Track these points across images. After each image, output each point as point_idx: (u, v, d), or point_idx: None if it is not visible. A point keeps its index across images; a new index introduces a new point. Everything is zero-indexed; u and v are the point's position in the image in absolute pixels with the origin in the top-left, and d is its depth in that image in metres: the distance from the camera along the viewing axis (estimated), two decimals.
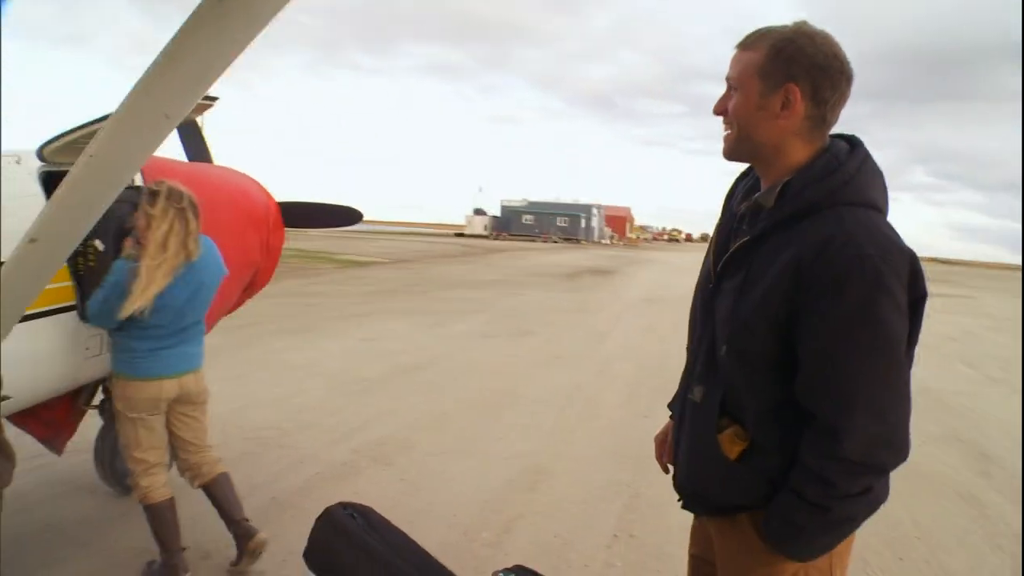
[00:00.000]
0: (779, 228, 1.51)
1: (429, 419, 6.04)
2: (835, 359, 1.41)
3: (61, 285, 3.09)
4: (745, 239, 1.57)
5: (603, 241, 77.18)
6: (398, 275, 20.18)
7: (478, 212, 74.53)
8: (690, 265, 37.86)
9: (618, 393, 7.39)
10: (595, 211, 79.38)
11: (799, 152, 1.55)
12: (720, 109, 1.60)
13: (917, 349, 1.50)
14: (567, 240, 69.13)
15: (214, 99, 3.52)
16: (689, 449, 1.69)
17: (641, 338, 11.15)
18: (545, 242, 62.99)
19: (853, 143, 1.58)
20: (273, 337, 9.26)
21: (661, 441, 2.09)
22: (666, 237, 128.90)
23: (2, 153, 3.01)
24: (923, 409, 7.39)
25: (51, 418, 3.54)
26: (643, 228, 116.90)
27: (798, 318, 1.44)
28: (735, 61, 1.57)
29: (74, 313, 3.15)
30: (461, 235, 65.41)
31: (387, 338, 9.76)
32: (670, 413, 2.07)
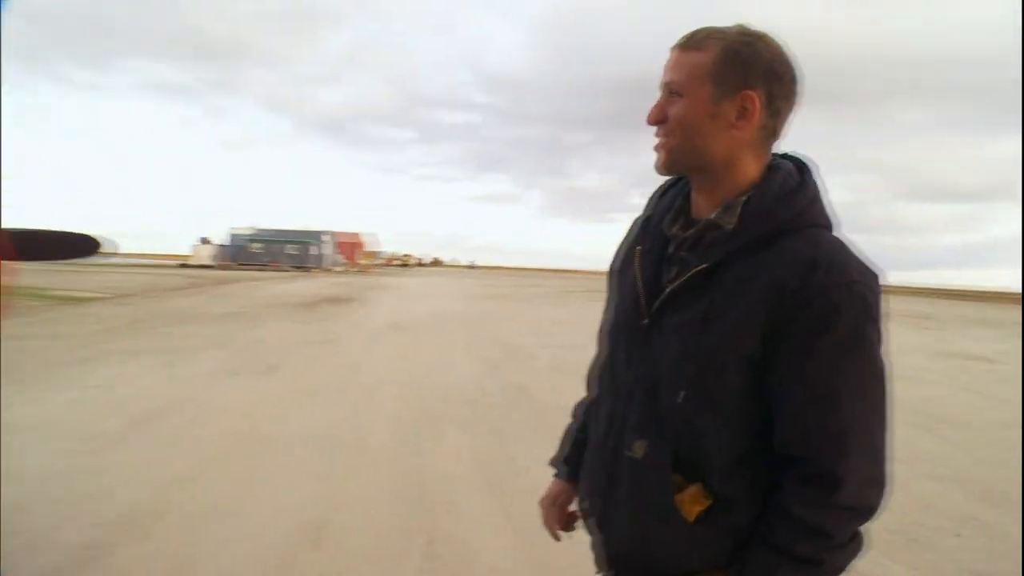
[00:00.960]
0: (743, 252, 1.33)
1: (182, 475, 5.34)
2: (830, 398, 1.26)
3: None
4: (700, 267, 1.35)
5: (335, 268, 75.85)
6: (124, 311, 18.25)
7: (204, 241, 70.15)
8: (427, 289, 38.27)
9: (384, 428, 7.07)
10: (325, 238, 77.92)
11: (750, 167, 1.39)
12: (660, 117, 1.39)
13: None
14: (297, 269, 67.17)
15: None
16: (632, 512, 1.44)
17: (396, 366, 10.89)
18: (276, 271, 60.73)
19: (794, 160, 1.45)
20: None
21: (549, 505, 1.82)
22: (397, 263, 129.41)
23: None
24: None
25: None
26: (374, 254, 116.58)
27: (778, 354, 1.28)
28: (677, 63, 1.38)
29: None
30: (186, 266, 61.24)
31: (119, 384, 8.68)
32: (554, 472, 1.83)
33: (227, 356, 11.26)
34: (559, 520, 1.78)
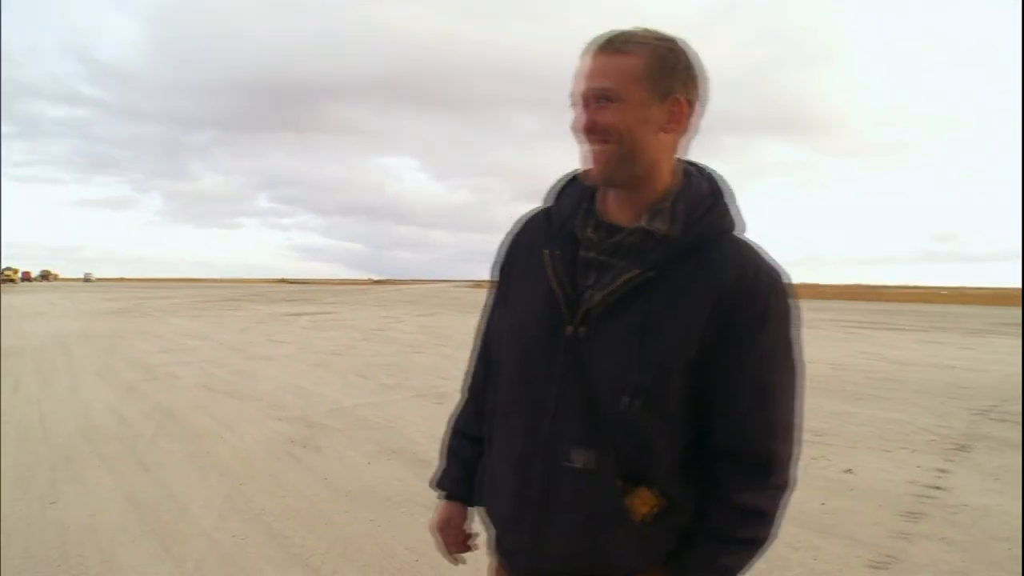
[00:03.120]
0: (679, 258, 1.37)
1: None
2: (768, 391, 1.38)
3: None
4: (642, 273, 1.36)
5: None
6: None
7: None
8: (38, 307, 33.89)
9: (5, 481, 5.99)
10: None
11: (667, 172, 1.42)
12: (596, 123, 1.35)
13: None
14: None
15: None
16: (578, 521, 1.43)
17: (9, 403, 9.34)
18: None
19: (692, 164, 1.49)
20: None
21: (445, 528, 1.75)
22: None
23: None
24: (352, 428, 7.58)
25: None
26: None
27: (718, 354, 1.36)
28: (604, 68, 1.34)
29: None
30: None
31: None
32: (443, 493, 1.76)
33: None
34: (458, 543, 1.74)
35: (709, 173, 1.48)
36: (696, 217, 1.39)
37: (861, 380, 11.54)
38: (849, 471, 6.25)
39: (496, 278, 1.61)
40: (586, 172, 1.40)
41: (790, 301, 1.39)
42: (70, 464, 6.44)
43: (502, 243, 1.61)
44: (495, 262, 1.61)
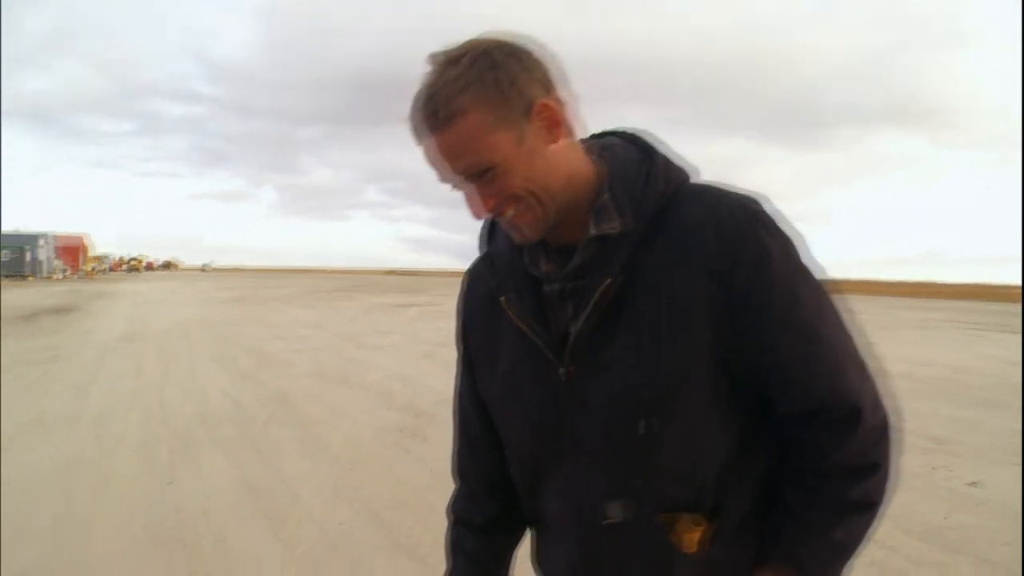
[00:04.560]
0: (642, 246, 1.16)
1: None
2: (811, 335, 1.15)
3: None
4: (607, 282, 1.14)
5: (55, 276, 68.68)
6: None
7: None
8: (161, 295, 35.59)
9: (129, 460, 6.25)
10: (43, 241, 70.31)
11: (583, 166, 1.19)
12: (497, 200, 1.14)
13: None
14: (11, 277, 60.01)
15: None
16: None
17: (132, 386, 9.81)
18: None
19: (616, 134, 1.28)
20: None
21: None
22: (125, 267, 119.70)
23: None
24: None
25: None
26: (100, 258, 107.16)
27: (735, 325, 1.13)
28: (452, 147, 1.10)
29: None
30: None
31: None
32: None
33: None
34: None
35: (630, 134, 1.27)
36: (640, 191, 1.17)
37: (987, 385, 10.72)
38: (975, 484, 5.78)
39: (461, 349, 1.43)
40: (520, 236, 1.20)
41: (778, 223, 1.17)
42: (187, 447, 6.65)
43: (456, 310, 1.44)
44: (456, 332, 1.44)
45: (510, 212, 1.16)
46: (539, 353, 1.22)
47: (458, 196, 1.19)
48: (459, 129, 1.09)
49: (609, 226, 1.16)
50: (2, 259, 63.54)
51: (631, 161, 1.20)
